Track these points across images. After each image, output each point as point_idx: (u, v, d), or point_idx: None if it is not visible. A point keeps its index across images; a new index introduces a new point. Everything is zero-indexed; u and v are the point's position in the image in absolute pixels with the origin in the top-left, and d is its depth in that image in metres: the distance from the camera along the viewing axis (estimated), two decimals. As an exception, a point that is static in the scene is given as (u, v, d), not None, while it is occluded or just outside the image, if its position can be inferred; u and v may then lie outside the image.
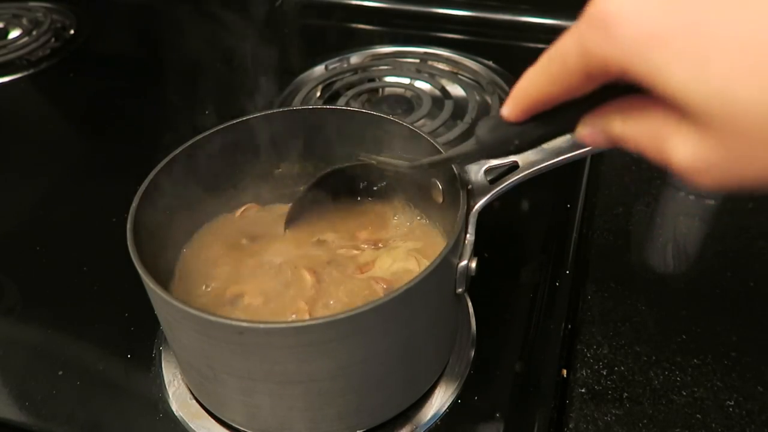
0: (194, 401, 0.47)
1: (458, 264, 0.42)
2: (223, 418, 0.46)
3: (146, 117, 0.81)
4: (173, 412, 0.47)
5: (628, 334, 0.51)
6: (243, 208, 0.55)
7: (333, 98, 0.77)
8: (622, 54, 0.24)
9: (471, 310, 0.53)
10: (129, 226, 0.41)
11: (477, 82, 0.79)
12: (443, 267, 0.39)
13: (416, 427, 0.45)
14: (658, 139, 0.26)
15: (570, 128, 0.30)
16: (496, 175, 0.44)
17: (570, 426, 0.45)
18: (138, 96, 0.85)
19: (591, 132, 0.29)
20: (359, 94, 0.77)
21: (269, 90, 0.81)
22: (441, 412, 0.46)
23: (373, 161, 0.49)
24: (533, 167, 0.42)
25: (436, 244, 0.51)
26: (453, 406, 0.46)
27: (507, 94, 0.77)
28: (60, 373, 0.50)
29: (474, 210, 0.42)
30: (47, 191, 0.70)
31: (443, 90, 0.77)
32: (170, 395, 0.48)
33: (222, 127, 0.49)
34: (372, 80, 0.80)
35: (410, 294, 0.37)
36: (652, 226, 0.61)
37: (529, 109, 0.30)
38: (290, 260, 0.50)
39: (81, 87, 0.89)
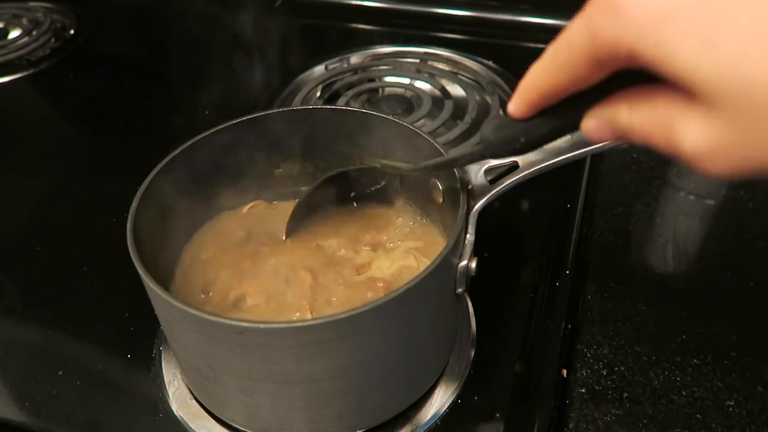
0: (194, 401, 0.47)
1: (458, 264, 0.42)
2: (223, 418, 0.46)
3: (146, 117, 0.81)
4: (173, 412, 0.47)
5: (628, 334, 0.51)
6: (250, 205, 0.55)
7: (333, 98, 0.77)
8: (630, 35, 0.24)
9: (471, 310, 0.53)
10: (129, 226, 0.41)
11: (477, 82, 0.79)
12: (443, 267, 0.39)
13: (416, 427, 0.45)
14: (667, 125, 0.25)
15: (576, 123, 0.30)
16: (496, 175, 0.44)
17: (570, 426, 0.45)
18: (138, 96, 0.85)
19: (597, 124, 0.28)
20: (359, 94, 0.77)
21: (269, 90, 0.81)
22: (441, 412, 0.46)
23: (376, 164, 0.49)
24: (533, 167, 0.42)
25: (436, 244, 0.51)
26: (453, 406, 0.46)
27: (507, 94, 0.78)
28: (60, 373, 0.50)
29: (474, 210, 0.42)
30: (47, 191, 0.70)
31: (443, 90, 0.77)
32: (170, 395, 0.48)
33: (222, 127, 0.49)
34: (372, 80, 0.80)
35: (410, 294, 0.37)
36: (652, 226, 0.61)
37: (536, 102, 0.30)
38: (291, 262, 0.50)
39: (81, 87, 0.89)
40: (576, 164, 0.57)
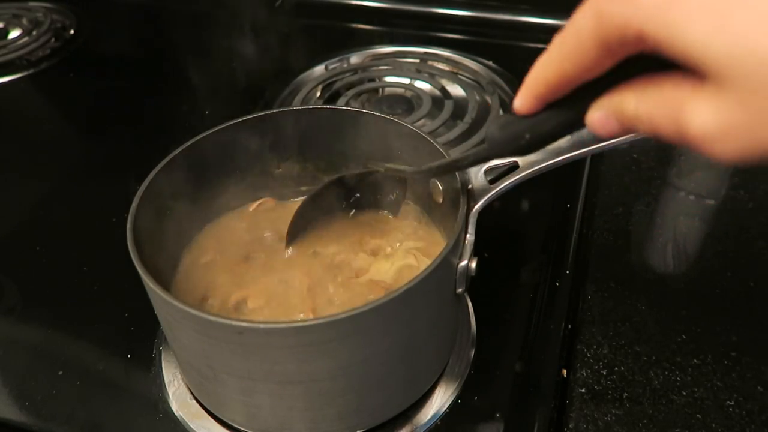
0: (194, 401, 0.47)
1: (458, 264, 0.42)
2: (223, 418, 0.46)
3: (146, 117, 0.81)
4: (173, 412, 0.47)
5: (628, 334, 0.51)
6: (258, 202, 0.55)
7: (333, 98, 0.77)
8: (639, 17, 0.23)
9: (471, 310, 0.53)
10: (129, 226, 0.41)
11: (477, 82, 0.79)
12: (443, 267, 0.39)
13: (416, 427, 0.45)
14: (675, 109, 0.24)
15: (582, 117, 0.29)
16: (496, 175, 0.44)
17: (570, 426, 0.45)
18: (138, 96, 0.85)
19: (602, 116, 0.27)
20: (359, 94, 0.77)
21: (269, 90, 0.81)
22: (441, 412, 0.46)
23: (380, 168, 0.49)
24: (533, 167, 0.42)
25: (437, 244, 0.51)
26: (453, 406, 0.46)
27: (507, 94, 0.78)
28: (60, 373, 0.50)
29: (474, 210, 0.42)
30: (47, 191, 0.70)
31: (443, 90, 0.77)
32: (170, 395, 0.48)
33: (222, 127, 0.49)
34: (372, 80, 0.80)
35: (410, 294, 0.37)
36: (652, 226, 0.61)
37: (543, 95, 0.29)
38: (291, 266, 0.50)
39: (81, 87, 0.89)
40: (576, 164, 0.57)
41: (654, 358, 0.49)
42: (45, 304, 0.57)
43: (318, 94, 0.79)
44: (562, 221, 0.61)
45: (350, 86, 0.79)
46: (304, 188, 0.57)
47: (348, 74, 0.82)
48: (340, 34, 0.96)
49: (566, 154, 0.41)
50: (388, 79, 0.80)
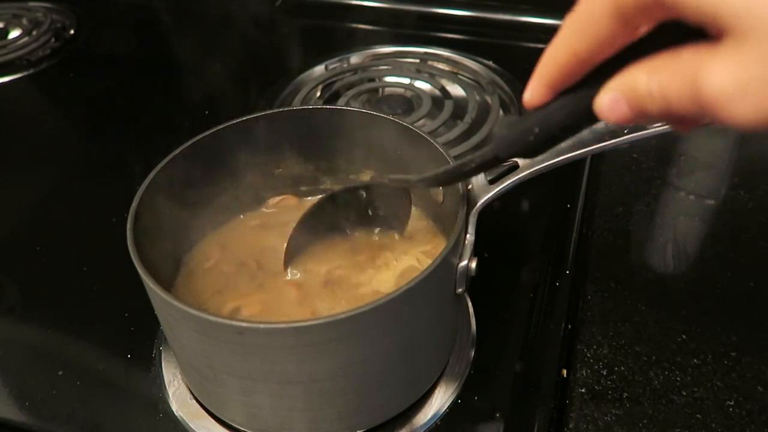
0: (194, 401, 0.47)
1: (458, 264, 0.42)
2: (223, 418, 0.46)
3: (146, 117, 0.81)
4: (173, 412, 0.47)
5: (628, 334, 0.51)
6: (280, 198, 0.55)
7: (333, 98, 0.77)
8: None
9: (471, 310, 0.53)
10: (129, 226, 0.41)
11: (477, 82, 0.79)
12: (443, 267, 0.39)
13: (416, 427, 0.45)
14: (690, 74, 0.23)
15: (592, 107, 0.27)
16: (496, 175, 0.44)
17: (570, 426, 0.45)
18: (138, 96, 0.85)
19: (612, 98, 0.26)
20: (359, 94, 0.77)
21: (269, 90, 0.81)
22: (441, 412, 0.46)
23: (384, 180, 0.47)
24: (533, 167, 0.42)
25: (437, 245, 0.51)
26: (453, 406, 0.46)
27: (507, 94, 0.78)
28: (60, 373, 0.50)
29: (474, 210, 0.42)
30: (47, 191, 0.70)
31: (443, 90, 0.77)
32: (170, 395, 0.48)
33: (221, 127, 0.49)
34: (372, 80, 0.80)
35: (410, 294, 0.37)
36: (652, 226, 0.61)
37: (554, 81, 0.28)
38: (289, 279, 0.49)
39: (81, 87, 0.89)
40: (576, 164, 0.57)
41: (654, 358, 0.49)
42: (45, 304, 0.57)
43: (318, 94, 0.79)
44: (562, 221, 0.61)
45: (350, 86, 0.79)
46: (304, 188, 0.57)
47: (348, 74, 0.82)
48: (340, 34, 0.96)
49: (566, 154, 0.41)
50: (388, 79, 0.80)
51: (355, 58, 0.86)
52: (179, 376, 0.49)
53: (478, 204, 0.42)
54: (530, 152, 0.32)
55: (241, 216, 0.55)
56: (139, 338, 0.52)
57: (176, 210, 0.49)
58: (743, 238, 0.58)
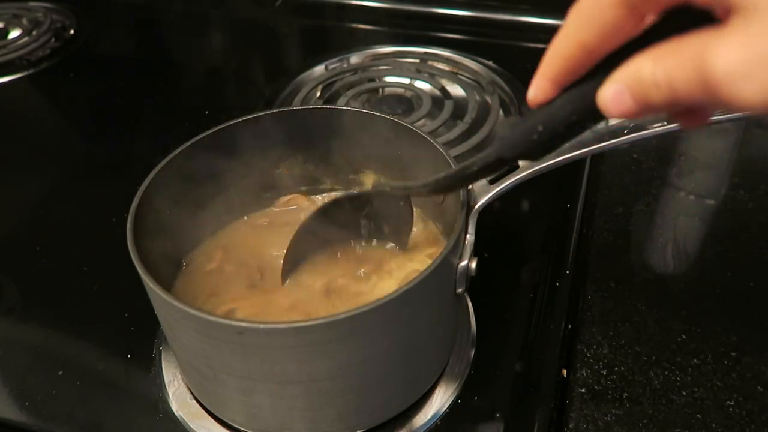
0: (194, 401, 0.47)
1: (458, 264, 0.42)
2: (223, 418, 0.46)
3: (146, 117, 0.81)
4: (173, 412, 0.47)
5: (628, 334, 0.51)
6: (289, 198, 0.55)
7: (333, 98, 0.77)
8: None
9: (471, 310, 0.53)
10: (129, 226, 0.41)
11: (477, 82, 0.79)
12: (443, 267, 0.39)
13: (416, 427, 0.45)
14: (697, 57, 0.22)
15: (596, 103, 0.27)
16: (496, 175, 0.44)
17: (570, 426, 0.45)
18: (138, 96, 0.85)
19: (616, 89, 0.25)
20: (359, 94, 0.77)
21: (269, 90, 0.81)
22: (441, 412, 0.46)
23: (385, 188, 0.46)
24: (533, 167, 0.42)
25: (438, 246, 0.51)
26: (453, 406, 0.46)
27: (507, 94, 0.78)
28: (60, 373, 0.50)
29: (474, 210, 0.42)
30: (47, 191, 0.70)
31: (443, 90, 0.77)
32: (170, 395, 0.48)
33: (221, 127, 0.49)
34: (372, 80, 0.80)
35: (410, 294, 0.37)
36: (652, 226, 0.61)
37: (560, 75, 0.27)
38: (287, 288, 0.49)
39: (81, 87, 0.89)
40: (576, 164, 0.57)
41: (654, 358, 0.49)
42: (45, 304, 0.57)
43: (318, 94, 0.79)
44: (562, 221, 0.61)
45: (350, 86, 0.79)
46: (303, 188, 0.57)
47: (348, 74, 0.82)
48: (340, 34, 0.96)
49: (566, 154, 0.41)
50: (388, 79, 0.80)
51: (355, 58, 0.86)
52: (179, 376, 0.49)
53: (478, 204, 0.42)
54: (534, 152, 0.31)
55: (245, 217, 0.55)
56: (139, 338, 0.52)
57: (176, 210, 0.49)
58: (743, 238, 0.58)
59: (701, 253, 0.58)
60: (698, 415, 0.45)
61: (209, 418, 0.46)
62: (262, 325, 0.35)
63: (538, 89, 0.29)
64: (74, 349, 0.53)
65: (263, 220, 0.55)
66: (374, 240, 0.51)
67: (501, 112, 0.73)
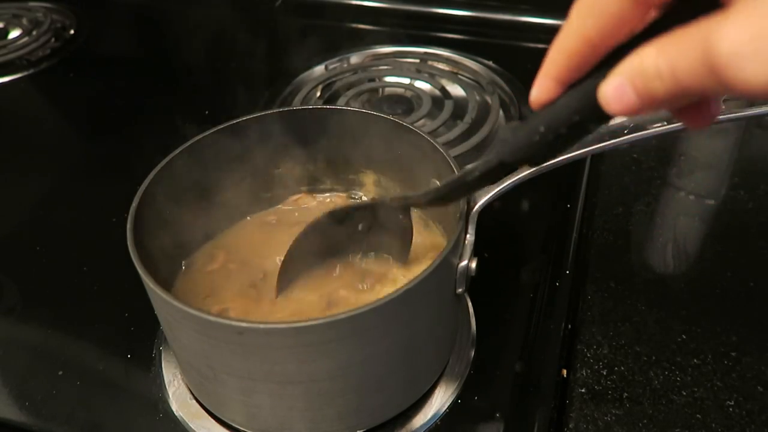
0: (194, 401, 0.47)
1: (458, 264, 0.42)
2: (223, 418, 0.46)
3: (146, 117, 0.81)
4: (173, 412, 0.47)
5: (628, 334, 0.51)
6: (296, 197, 0.55)
7: (333, 98, 0.77)
8: None
9: (471, 310, 0.53)
10: (129, 226, 0.41)
11: (477, 82, 0.79)
12: (443, 267, 0.39)
13: (416, 428, 0.45)
14: (699, 44, 0.22)
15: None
16: (496, 175, 0.43)
17: (570, 426, 0.45)
18: (138, 96, 0.85)
19: (618, 84, 0.24)
20: (359, 94, 0.77)
21: (269, 90, 0.81)
22: (441, 412, 0.46)
23: (385, 200, 0.45)
24: (533, 167, 0.42)
25: (438, 247, 0.51)
26: (453, 406, 0.46)
27: (507, 94, 0.78)
28: (60, 373, 0.50)
29: (474, 210, 0.42)
30: (47, 191, 0.70)
31: (443, 90, 0.77)
32: (170, 395, 0.48)
33: (221, 127, 0.49)
34: (372, 80, 0.80)
35: (410, 294, 0.37)
36: (652, 226, 0.61)
37: (563, 72, 0.27)
38: (283, 298, 0.48)
39: (81, 87, 0.89)
40: (576, 164, 0.57)
41: (654, 358, 0.49)
42: (45, 304, 0.57)
43: (318, 94, 0.79)
44: (562, 221, 0.61)
45: (350, 86, 0.79)
46: (303, 188, 0.57)
47: (348, 74, 0.82)
48: (340, 34, 0.96)
49: (566, 154, 0.41)
50: (388, 79, 0.80)
51: (355, 58, 0.86)
52: (179, 376, 0.49)
53: (478, 204, 0.42)
54: (536, 156, 0.30)
55: (248, 217, 0.55)
56: (139, 338, 0.52)
57: (176, 210, 0.49)
58: (743, 238, 0.58)
59: (701, 253, 0.58)
60: (698, 415, 0.45)
61: (209, 418, 0.46)
62: (262, 325, 0.35)
63: (541, 88, 0.28)
64: (74, 349, 0.53)
65: (266, 220, 0.55)
66: (373, 254, 0.49)
67: (501, 112, 0.73)
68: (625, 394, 0.47)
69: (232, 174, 0.53)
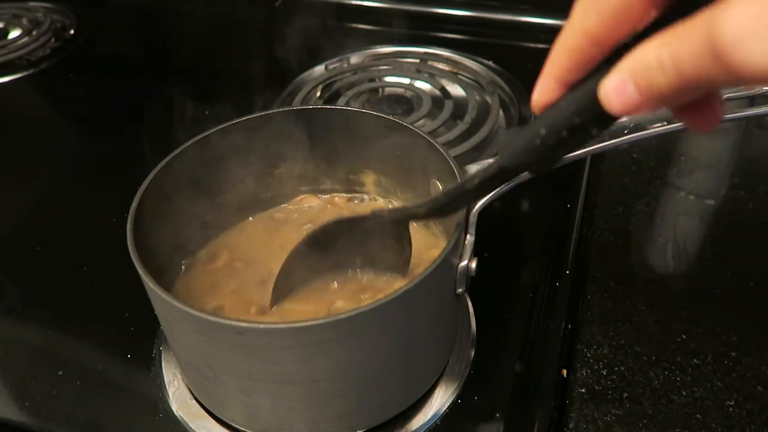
0: (194, 401, 0.47)
1: (458, 264, 0.42)
2: (223, 418, 0.46)
3: (146, 117, 0.81)
4: (173, 412, 0.47)
5: (628, 334, 0.51)
6: (301, 198, 0.55)
7: (333, 98, 0.77)
8: None
9: (471, 310, 0.53)
10: (129, 226, 0.41)
11: (477, 82, 0.79)
12: (443, 267, 0.39)
13: (416, 428, 0.45)
14: (702, 33, 0.21)
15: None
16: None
17: (570, 426, 0.45)
18: (138, 96, 0.85)
19: (619, 80, 0.24)
20: (359, 94, 0.77)
21: (269, 90, 0.81)
22: (441, 412, 0.46)
23: (383, 213, 0.44)
24: (533, 167, 0.42)
25: (436, 245, 0.51)
26: (453, 406, 0.46)
27: (507, 94, 0.78)
28: (60, 373, 0.50)
29: (474, 210, 0.42)
30: (47, 191, 0.70)
31: (443, 90, 0.77)
32: (170, 395, 0.48)
33: (221, 127, 0.49)
34: (372, 80, 0.80)
35: (410, 294, 0.37)
36: (652, 226, 0.61)
37: (566, 70, 0.26)
38: (281, 306, 0.47)
39: (81, 87, 0.89)
40: (576, 164, 0.57)
41: (654, 358, 0.49)
42: (45, 304, 0.57)
43: (318, 94, 0.79)
44: (562, 221, 0.61)
45: (350, 86, 0.79)
46: (303, 188, 0.57)
47: (348, 74, 0.82)
48: (340, 34, 0.96)
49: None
50: (388, 79, 0.80)
51: (355, 58, 0.86)
52: (179, 376, 0.49)
53: (478, 204, 0.42)
54: (537, 161, 0.30)
55: (250, 218, 0.55)
56: (139, 338, 0.52)
57: (176, 210, 0.49)
58: (743, 238, 0.58)
59: (701, 253, 0.58)
60: (698, 415, 0.45)
61: (209, 418, 0.46)
62: (262, 325, 0.35)
63: (543, 89, 0.27)
64: (74, 349, 0.53)
65: (269, 220, 0.55)
66: (371, 268, 0.48)
67: (501, 112, 0.73)
68: (625, 394, 0.47)
69: (232, 174, 0.53)
